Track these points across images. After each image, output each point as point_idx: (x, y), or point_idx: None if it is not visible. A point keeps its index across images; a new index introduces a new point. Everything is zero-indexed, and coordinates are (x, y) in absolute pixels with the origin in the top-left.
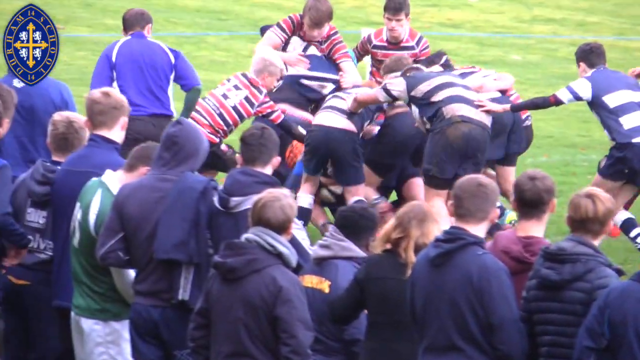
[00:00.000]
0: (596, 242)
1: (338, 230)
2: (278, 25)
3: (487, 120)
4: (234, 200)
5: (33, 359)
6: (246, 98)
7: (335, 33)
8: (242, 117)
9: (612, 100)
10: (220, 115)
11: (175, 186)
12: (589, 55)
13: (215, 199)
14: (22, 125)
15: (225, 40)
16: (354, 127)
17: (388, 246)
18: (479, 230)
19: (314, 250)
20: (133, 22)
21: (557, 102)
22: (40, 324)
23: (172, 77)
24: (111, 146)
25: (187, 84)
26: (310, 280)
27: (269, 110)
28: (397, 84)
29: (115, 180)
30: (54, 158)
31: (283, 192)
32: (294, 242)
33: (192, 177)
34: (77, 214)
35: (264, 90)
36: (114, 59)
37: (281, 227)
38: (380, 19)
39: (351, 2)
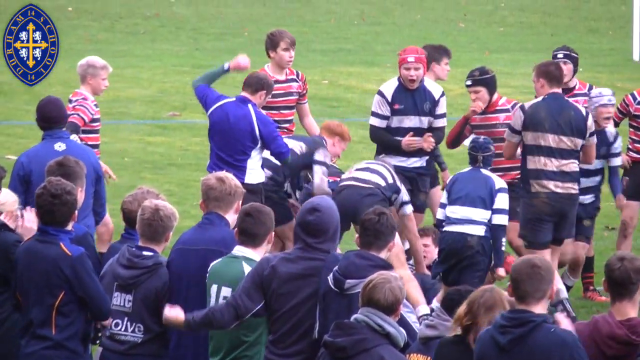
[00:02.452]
0: None
1: (444, 311)
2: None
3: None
4: (349, 282)
5: None
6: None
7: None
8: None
9: None
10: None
11: (325, 266)
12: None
13: (330, 278)
14: None
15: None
16: None
17: (459, 331)
18: (539, 308)
19: (420, 329)
20: (246, 83)
21: None
22: None
23: (258, 145)
24: (222, 222)
25: (276, 156)
26: (417, 359)
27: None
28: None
29: (254, 253)
30: (140, 243)
31: (393, 275)
32: (402, 322)
33: (335, 257)
34: (221, 292)
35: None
36: (208, 113)
37: (390, 308)
38: None
39: (458, 89)
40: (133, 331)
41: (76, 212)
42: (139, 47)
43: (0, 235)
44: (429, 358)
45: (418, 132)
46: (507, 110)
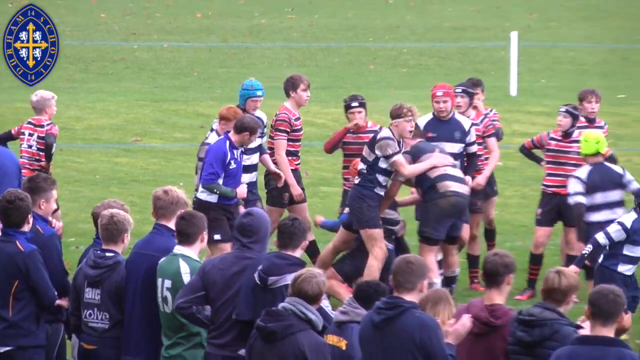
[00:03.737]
0: (562, 309)
1: (355, 301)
2: (281, 131)
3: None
4: (272, 279)
5: None
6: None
7: None
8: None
9: None
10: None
11: (254, 263)
12: None
13: (256, 276)
14: None
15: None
16: None
17: None
18: (411, 296)
19: (335, 315)
20: (234, 124)
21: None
22: None
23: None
24: (169, 233)
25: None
26: (332, 339)
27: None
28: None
29: (190, 250)
30: (104, 247)
31: (318, 271)
32: (321, 310)
33: (263, 256)
34: (164, 284)
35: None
36: None
37: (314, 299)
38: None
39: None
40: (102, 319)
41: (29, 215)
42: (108, 85)
43: None
44: (341, 338)
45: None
46: (374, 131)
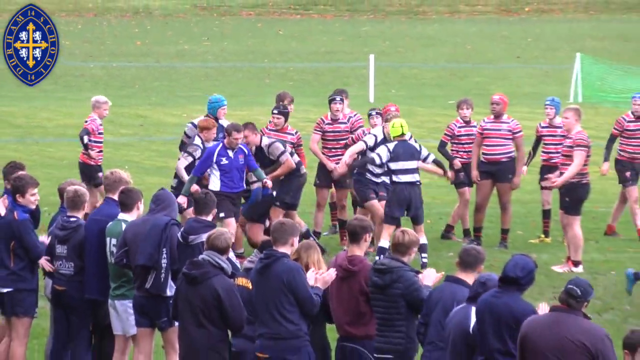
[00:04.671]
0: (406, 259)
1: (260, 252)
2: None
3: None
4: (191, 237)
5: (70, 347)
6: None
7: None
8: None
9: None
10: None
11: (154, 223)
12: None
13: (179, 235)
14: None
15: None
16: None
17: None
18: (284, 249)
19: (244, 264)
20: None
21: None
22: (74, 315)
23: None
24: (114, 204)
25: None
26: (241, 281)
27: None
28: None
29: (129, 216)
30: (69, 213)
31: (225, 230)
32: (229, 259)
33: (161, 218)
34: (111, 242)
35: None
36: None
37: (224, 250)
38: None
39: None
40: (68, 267)
41: (25, 192)
42: (71, 95)
43: None
44: (248, 280)
45: None
46: (292, 134)
